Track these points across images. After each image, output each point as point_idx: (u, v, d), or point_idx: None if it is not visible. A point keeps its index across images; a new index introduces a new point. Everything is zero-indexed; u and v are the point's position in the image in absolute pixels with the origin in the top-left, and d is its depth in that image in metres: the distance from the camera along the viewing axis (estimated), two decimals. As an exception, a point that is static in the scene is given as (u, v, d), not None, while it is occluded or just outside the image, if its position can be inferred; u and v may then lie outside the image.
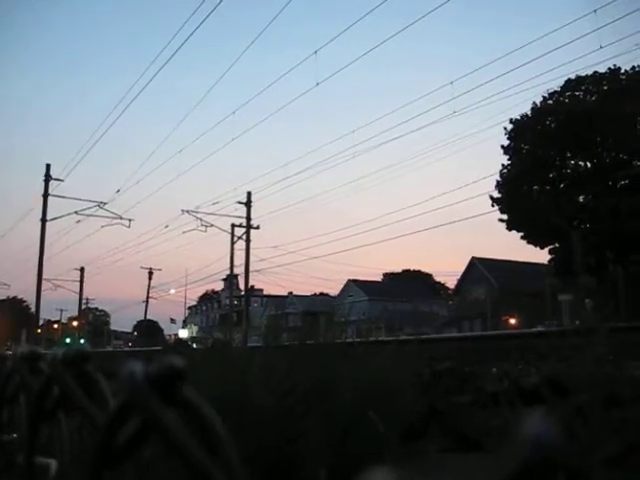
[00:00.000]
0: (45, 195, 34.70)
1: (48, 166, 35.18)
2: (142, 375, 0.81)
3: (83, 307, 63.12)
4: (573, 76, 36.01)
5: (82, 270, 55.89)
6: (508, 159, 38.28)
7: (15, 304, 76.49)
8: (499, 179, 38.22)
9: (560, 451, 0.59)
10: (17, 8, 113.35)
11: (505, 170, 38.22)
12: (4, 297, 70.50)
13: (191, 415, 0.79)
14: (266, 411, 4.08)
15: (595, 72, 35.65)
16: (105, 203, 35.82)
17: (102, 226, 37.79)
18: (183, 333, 70.43)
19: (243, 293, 46.15)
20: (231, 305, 48.42)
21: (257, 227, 40.91)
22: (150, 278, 65.39)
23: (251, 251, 40.67)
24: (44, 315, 60.64)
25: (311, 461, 3.89)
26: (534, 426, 0.60)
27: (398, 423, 4.41)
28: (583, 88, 36.87)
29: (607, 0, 22.28)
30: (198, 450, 0.77)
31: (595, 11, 21.13)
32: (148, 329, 70.86)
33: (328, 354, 5.09)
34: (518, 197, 36.60)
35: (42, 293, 36.81)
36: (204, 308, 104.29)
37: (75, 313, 64.38)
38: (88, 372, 1.44)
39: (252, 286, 55.30)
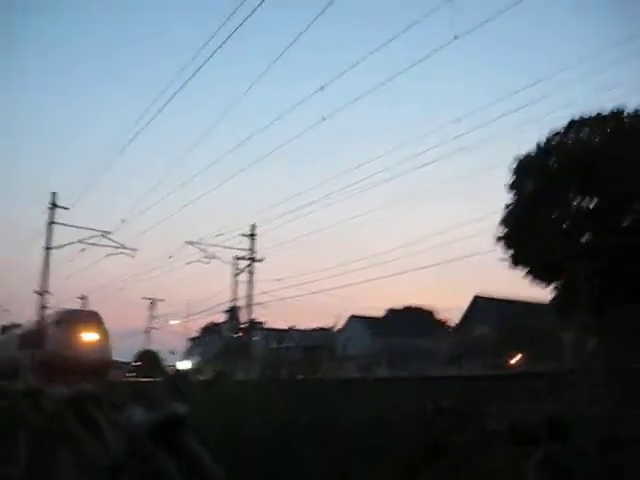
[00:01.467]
0: (50, 223, 34.85)
1: (54, 194, 35.40)
2: (143, 423, 0.83)
3: (84, 336, 62.73)
4: (577, 116, 36.30)
5: (84, 299, 55.84)
6: (512, 197, 38.40)
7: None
8: (503, 217, 38.31)
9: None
10: (23, 30, 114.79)
11: (509, 208, 38.31)
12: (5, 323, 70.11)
13: (190, 462, 0.81)
14: (264, 443, 4.07)
15: (599, 113, 35.89)
16: (109, 232, 35.94)
17: (106, 255, 37.83)
18: (183, 365, 70.00)
19: (244, 326, 45.97)
20: (233, 338, 48.25)
21: (261, 260, 40.95)
22: (152, 309, 65.24)
23: (254, 283, 40.64)
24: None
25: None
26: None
27: (396, 459, 4.38)
28: (586, 129, 37.09)
29: (611, 42, 22.58)
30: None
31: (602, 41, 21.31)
32: (150, 360, 70.42)
33: (327, 390, 5.08)
34: (522, 235, 36.62)
35: (44, 322, 36.80)
36: (206, 339, 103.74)
37: (76, 342, 63.91)
38: (89, 411, 1.46)
39: (254, 319, 55.14)
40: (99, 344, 31.75)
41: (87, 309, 35.75)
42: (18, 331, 41.85)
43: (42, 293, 36.83)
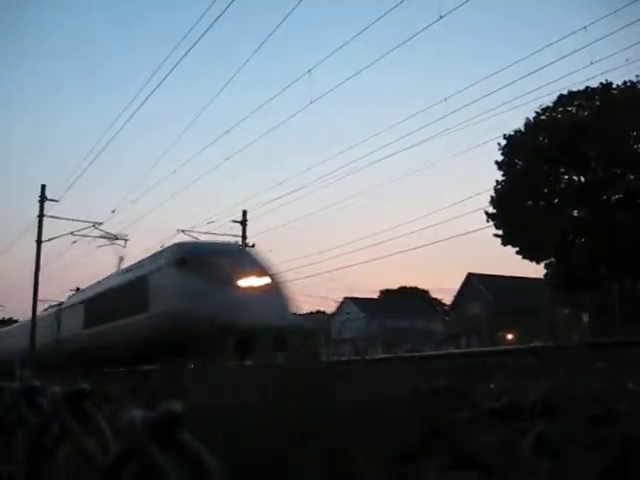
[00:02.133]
0: (40, 216, 34.72)
1: (43, 187, 35.27)
2: (141, 421, 0.83)
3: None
4: (565, 92, 36.31)
5: (77, 291, 55.70)
6: (502, 175, 38.42)
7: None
8: (493, 195, 38.34)
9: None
10: (15, 26, 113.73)
11: (499, 186, 38.33)
12: None
13: (188, 459, 0.81)
14: (260, 434, 4.08)
15: (587, 87, 35.89)
16: (100, 223, 35.74)
17: (98, 246, 37.56)
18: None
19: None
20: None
21: (253, 245, 40.92)
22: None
23: (247, 270, 40.44)
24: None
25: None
26: None
27: (396, 442, 4.41)
28: (576, 103, 37.10)
29: (597, 17, 22.53)
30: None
31: (585, 28, 21.31)
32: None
33: (324, 373, 5.09)
34: (512, 212, 36.69)
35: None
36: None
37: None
38: (87, 409, 1.45)
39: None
40: (275, 295, 17.78)
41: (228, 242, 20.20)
42: (79, 297, 30.06)
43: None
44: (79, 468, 1.48)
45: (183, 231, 38.95)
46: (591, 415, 4.14)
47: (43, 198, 35.06)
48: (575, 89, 35.89)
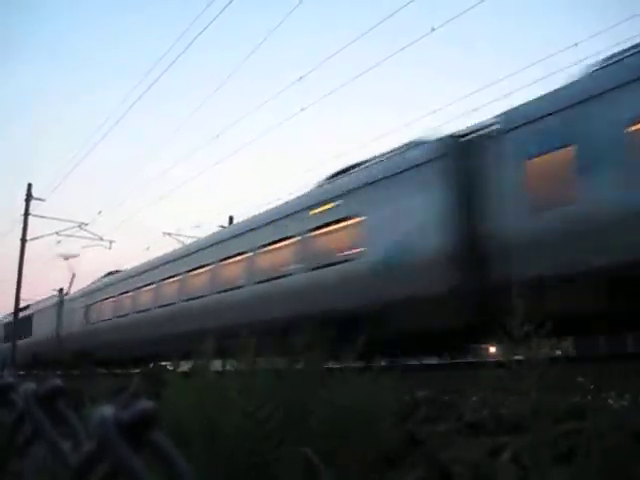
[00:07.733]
0: (25, 214, 34.50)
1: (29, 185, 35.05)
2: (112, 420, 0.81)
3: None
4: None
5: (61, 291, 55.39)
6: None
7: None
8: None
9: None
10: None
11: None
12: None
13: (161, 461, 0.80)
14: (243, 436, 4.05)
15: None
16: (86, 224, 35.62)
17: (82, 247, 37.51)
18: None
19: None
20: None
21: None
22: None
23: (232, 275, 40.30)
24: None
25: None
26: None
27: (375, 451, 4.39)
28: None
29: (589, 34, 22.75)
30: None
31: (576, 44, 21.45)
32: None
33: (307, 380, 5.07)
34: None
35: (20, 314, 36.47)
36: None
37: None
38: (61, 408, 1.43)
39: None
40: None
41: None
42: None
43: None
44: (51, 468, 1.46)
45: (169, 234, 38.90)
46: (566, 430, 4.15)
47: (29, 196, 34.86)
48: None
